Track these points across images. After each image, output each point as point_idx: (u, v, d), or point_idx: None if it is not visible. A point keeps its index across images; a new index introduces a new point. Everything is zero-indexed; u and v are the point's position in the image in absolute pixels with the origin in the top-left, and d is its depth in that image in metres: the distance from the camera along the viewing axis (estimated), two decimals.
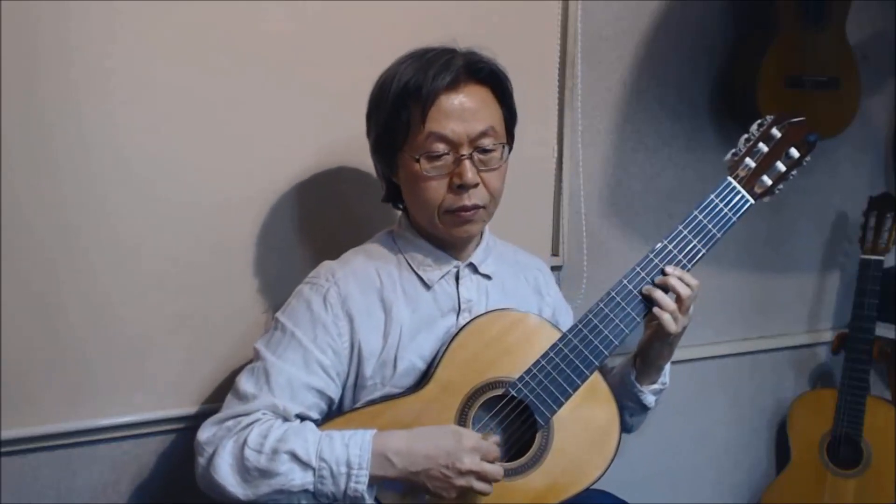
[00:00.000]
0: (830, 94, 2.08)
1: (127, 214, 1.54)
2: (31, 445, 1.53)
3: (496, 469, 1.26)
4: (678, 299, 1.35)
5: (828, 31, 2.06)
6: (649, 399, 1.48)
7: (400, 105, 1.32)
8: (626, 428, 1.52)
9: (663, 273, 1.35)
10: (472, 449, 1.24)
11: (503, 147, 1.37)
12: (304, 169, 1.67)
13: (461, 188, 1.34)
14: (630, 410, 1.51)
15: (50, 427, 1.54)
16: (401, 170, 1.37)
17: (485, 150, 1.34)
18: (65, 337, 1.53)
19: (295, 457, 1.23)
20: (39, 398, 1.53)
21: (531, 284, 1.56)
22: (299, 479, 1.22)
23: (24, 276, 1.48)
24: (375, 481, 1.24)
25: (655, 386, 1.49)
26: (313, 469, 1.22)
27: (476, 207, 1.36)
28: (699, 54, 2.09)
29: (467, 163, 1.33)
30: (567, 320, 1.59)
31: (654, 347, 1.43)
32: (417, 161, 1.32)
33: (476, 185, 1.34)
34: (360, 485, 1.22)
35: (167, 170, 1.56)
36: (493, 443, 1.28)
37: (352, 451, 1.23)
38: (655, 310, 1.34)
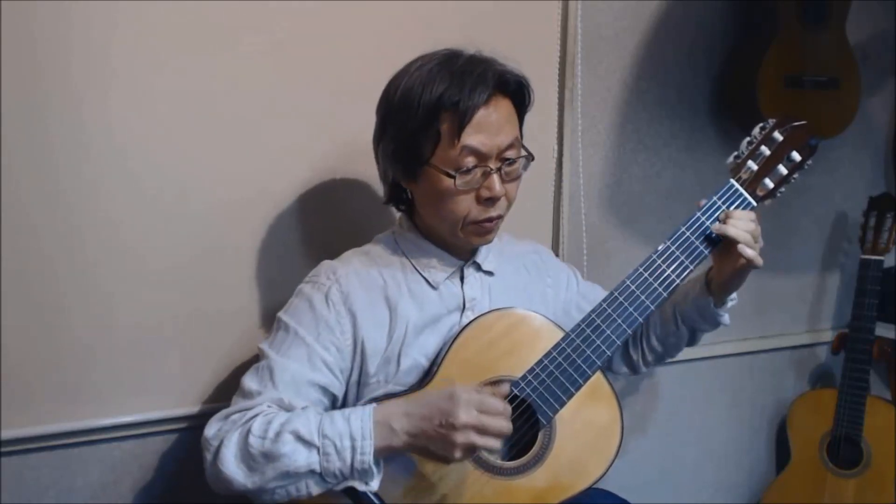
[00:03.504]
0: (830, 94, 2.08)
1: (127, 214, 1.54)
2: (31, 445, 1.53)
3: (496, 422, 1.20)
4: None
5: (828, 30, 2.06)
6: (726, 318, 1.54)
7: (433, 117, 1.30)
8: (694, 343, 1.62)
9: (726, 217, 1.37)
10: (465, 402, 1.20)
11: (524, 158, 1.38)
12: (305, 170, 1.67)
13: (489, 201, 1.34)
14: (704, 331, 1.58)
15: (50, 427, 1.54)
16: (423, 181, 1.35)
17: (510, 162, 1.35)
18: (65, 337, 1.53)
19: (298, 436, 1.22)
20: (39, 398, 1.53)
21: (531, 272, 1.57)
22: (304, 458, 1.21)
23: (24, 276, 1.48)
24: (381, 453, 1.23)
25: (729, 305, 1.53)
26: (317, 447, 1.21)
27: (499, 217, 1.38)
28: (699, 54, 2.09)
29: (495, 176, 1.33)
30: (573, 289, 1.61)
31: (740, 277, 1.44)
32: (451, 177, 1.31)
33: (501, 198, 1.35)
34: (367, 455, 1.20)
35: (167, 170, 1.56)
36: (496, 394, 1.24)
37: (353, 423, 1.22)
38: (741, 247, 1.35)
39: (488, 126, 1.31)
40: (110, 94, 1.50)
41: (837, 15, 2.06)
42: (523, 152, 1.38)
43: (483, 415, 1.20)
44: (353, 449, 1.21)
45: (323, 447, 1.22)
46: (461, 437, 1.19)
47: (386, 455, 1.25)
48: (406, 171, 1.37)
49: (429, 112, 1.30)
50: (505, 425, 1.21)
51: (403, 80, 1.34)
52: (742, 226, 1.36)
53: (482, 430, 1.20)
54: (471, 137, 1.30)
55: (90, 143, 1.49)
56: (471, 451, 1.21)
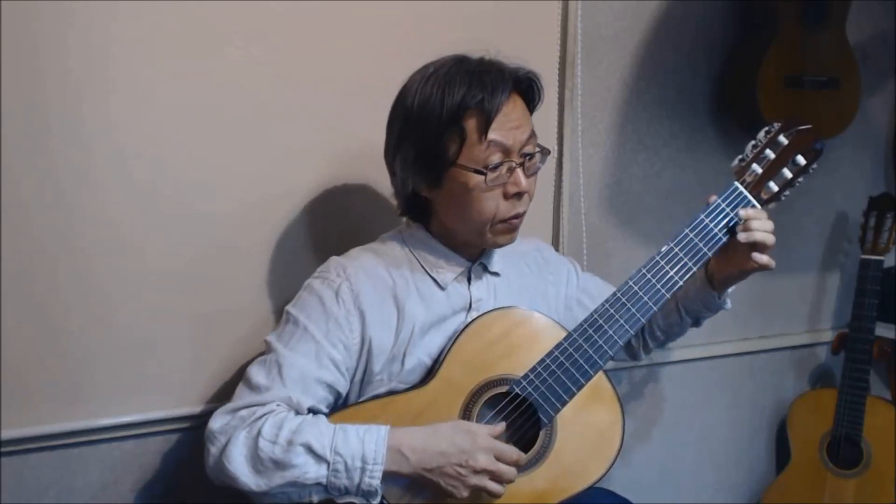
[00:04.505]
0: (830, 94, 2.08)
1: (128, 214, 1.53)
2: (31, 445, 1.53)
3: (511, 470, 1.28)
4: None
5: (828, 31, 2.06)
6: (729, 304, 1.56)
7: (457, 117, 1.30)
8: (698, 326, 1.64)
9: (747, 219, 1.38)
10: (486, 448, 1.26)
11: (541, 153, 1.39)
12: (308, 170, 1.67)
13: (517, 196, 1.36)
14: (706, 317, 1.61)
15: (50, 427, 1.54)
16: (448, 183, 1.35)
17: (530, 157, 1.36)
18: (65, 337, 1.53)
19: (310, 449, 1.23)
20: (39, 398, 1.52)
21: (533, 270, 1.57)
22: (313, 472, 1.23)
23: (24, 276, 1.48)
24: (388, 476, 1.25)
25: (730, 290, 1.54)
26: (328, 462, 1.23)
27: (523, 213, 1.39)
28: (699, 54, 2.09)
29: (520, 171, 1.35)
30: (574, 284, 1.62)
31: (746, 272, 1.44)
32: (481, 173, 1.32)
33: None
34: (375, 479, 1.23)
35: (168, 170, 1.56)
36: (500, 431, 1.30)
37: (367, 445, 1.24)
38: (756, 256, 1.37)
39: (511, 121, 1.33)
40: (111, 94, 1.49)
41: (837, 15, 2.06)
42: (539, 148, 1.39)
43: (500, 462, 1.27)
44: (363, 471, 1.23)
45: (333, 464, 1.23)
46: (475, 480, 1.26)
47: (392, 478, 1.26)
48: (430, 176, 1.36)
49: (453, 113, 1.30)
50: (514, 474, 1.29)
51: (418, 88, 1.34)
52: (763, 226, 1.37)
53: (496, 478, 1.27)
54: (496, 132, 1.31)
55: (90, 143, 1.49)
56: (477, 492, 1.27)
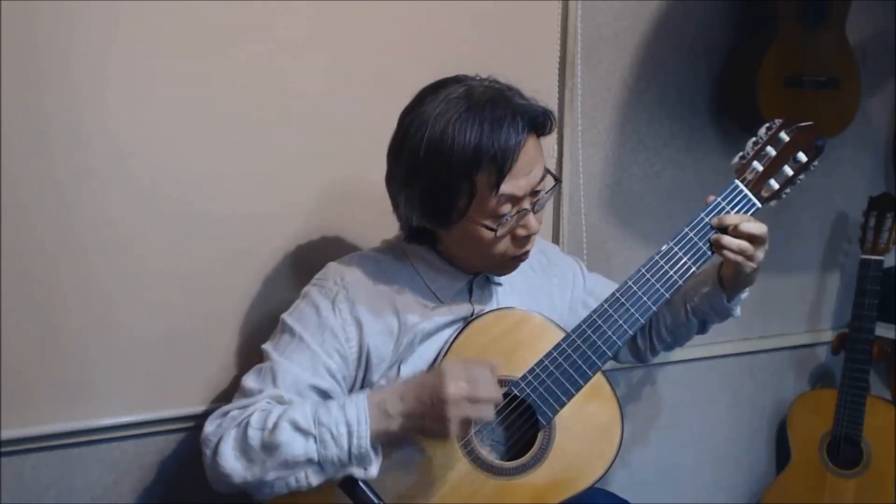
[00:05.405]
0: (830, 94, 2.07)
1: (128, 214, 1.53)
2: (31, 445, 1.53)
3: (485, 390, 1.22)
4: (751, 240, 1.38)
5: (828, 30, 2.06)
6: (738, 311, 1.55)
7: (469, 171, 1.25)
8: (704, 332, 1.63)
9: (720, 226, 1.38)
10: (452, 375, 1.21)
11: (553, 188, 1.37)
12: (308, 172, 1.67)
13: (526, 238, 1.34)
14: (714, 323, 1.59)
15: (50, 427, 1.54)
16: (457, 230, 1.32)
17: (540, 194, 1.34)
18: (65, 337, 1.53)
19: (295, 426, 1.22)
20: (39, 398, 1.53)
21: (538, 272, 1.56)
22: (301, 447, 1.21)
23: (24, 276, 1.48)
24: (378, 438, 1.23)
25: (743, 296, 1.53)
26: (314, 435, 1.21)
27: (531, 248, 1.38)
28: (699, 54, 2.09)
29: (531, 215, 1.32)
30: (579, 286, 1.61)
31: (747, 278, 1.45)
32: (492, 230, 1.29)
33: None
34: (363, 439, 1.21)
35: (168, 170, 1.55)
36: (484, 367, 1.25)
37: (348, 410, 1.23)
38: (729, 254, 1.37)
39: (523, 168, 1.28)
40: (111, 94, 1.49)
41: (837, 15, 2.06)
42: (550, 181, 1.36)
43: (471, 384, 1.21)
44: (350, 434, 1.21)
45: (319, 435, 1.22)
46: (454, 411, 1.20)
47: (384, 440, 1.25)
48: (437, 222, 1.33)
49: (465, 167, 1.24)
50: (494, 391, 1.24)
51: (425, 130, 1.26)
52: (750, 229, 1.36)
53: (473, 400, 1.21)
54: (508, 185, 1.27)
55: (90, 143, 1.49)
56: (466, 424, 1.23)
